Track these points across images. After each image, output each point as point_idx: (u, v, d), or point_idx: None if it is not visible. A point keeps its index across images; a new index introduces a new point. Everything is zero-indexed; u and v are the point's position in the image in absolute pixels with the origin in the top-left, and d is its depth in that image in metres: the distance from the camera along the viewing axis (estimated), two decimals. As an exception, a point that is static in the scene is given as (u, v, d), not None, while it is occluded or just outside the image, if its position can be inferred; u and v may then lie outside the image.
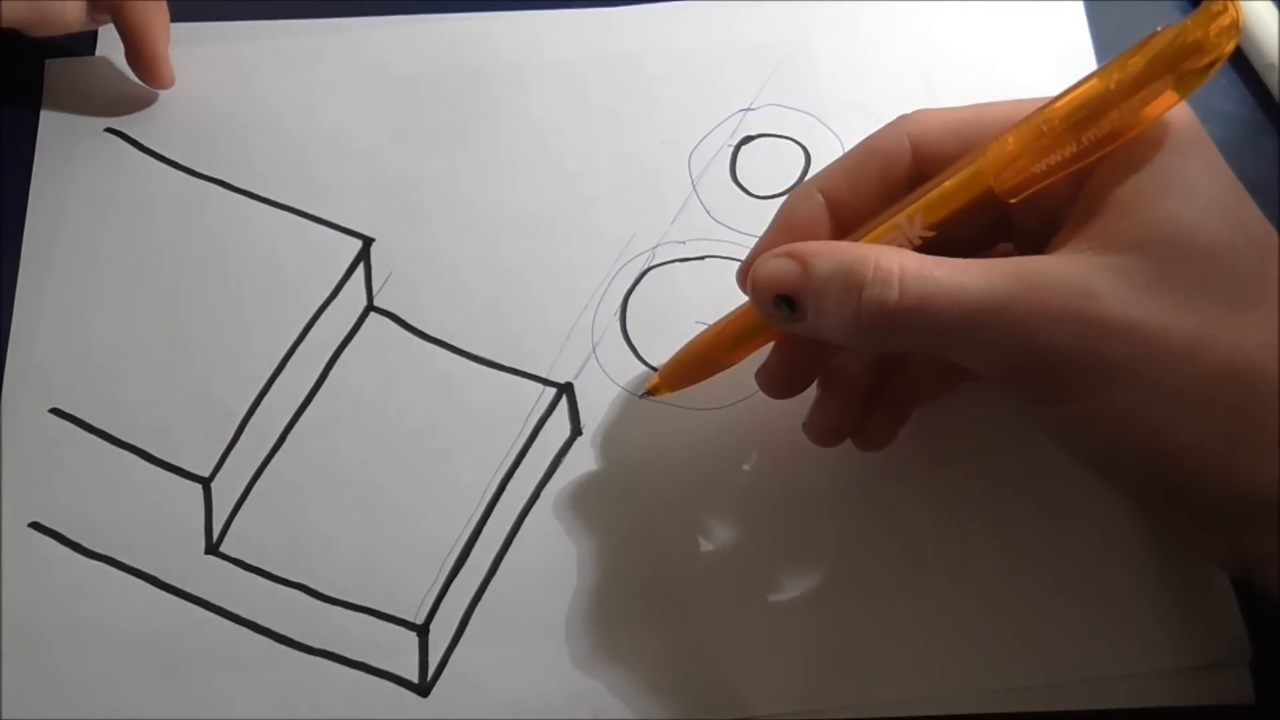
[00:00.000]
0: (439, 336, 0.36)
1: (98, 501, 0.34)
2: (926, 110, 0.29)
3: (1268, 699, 0.31)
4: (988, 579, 0.32)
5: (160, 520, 0.33)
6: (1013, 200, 0.27)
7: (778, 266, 0.27)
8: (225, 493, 0.34)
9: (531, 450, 0.34)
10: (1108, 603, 0.31)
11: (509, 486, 0.34)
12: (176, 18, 0.40)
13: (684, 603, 0.32)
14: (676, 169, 0.38)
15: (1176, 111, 0.26)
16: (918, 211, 0.27)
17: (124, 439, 0.34)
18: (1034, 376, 0.26)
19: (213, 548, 0.33)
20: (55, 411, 0.35)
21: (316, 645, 0.32)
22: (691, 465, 0.33)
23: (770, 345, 0.31)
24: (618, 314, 0.36)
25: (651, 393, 0.33)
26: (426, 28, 0.40)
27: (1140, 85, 0.25)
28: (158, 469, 0.34)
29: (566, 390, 0.35)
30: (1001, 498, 0.33)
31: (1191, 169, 0.25)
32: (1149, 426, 0.24)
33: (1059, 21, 0.40)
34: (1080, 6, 0.40)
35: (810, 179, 0.30)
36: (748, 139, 0.38)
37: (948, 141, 0.28)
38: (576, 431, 0.34)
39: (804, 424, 0.32)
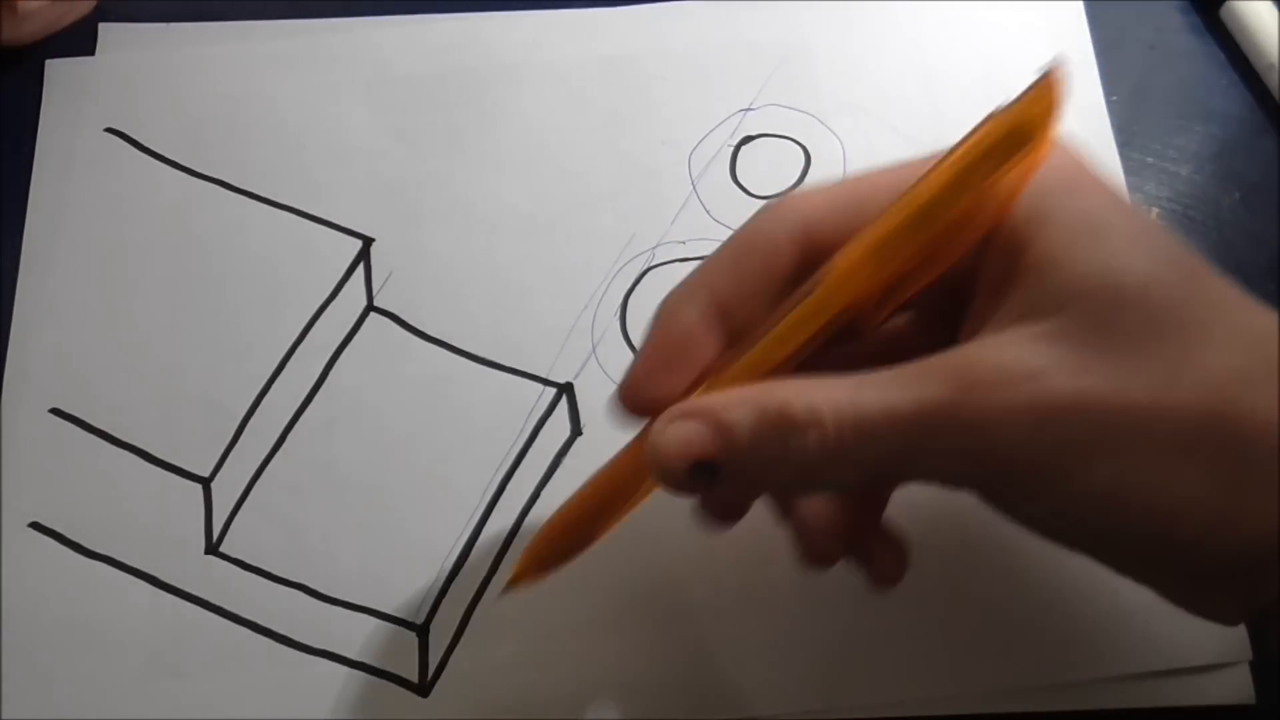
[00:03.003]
0: (439, 336, 0.36)
1: (98, 501, 0.34)
2: (803, 192, 0.27)
3: (1268, 699, 0.31)
4: (988, 579, 0.32)
5: (160, 520, 0.33)
6: (877, 323, 0.24)
7: (685, 433, 0.24)
8: (225, 493, 0.34)
9: (531, 450, 0.34)
10: (1108, 602, 0.31)
11: (509, 486, 0.34)
12: (176, 18, 0.41)
13: (684, 603, 0.32)
14: (676, 169, 0.38)
15: (1059, 154, 0.24)
16: (911, 222, 0.24)
17: (124, 439, 0.34)
18: (1001, 480, 0.23)
19: (213, 548, 0.33)
20: (55, 411, 0.35)
21: (316, 645, 0.32)
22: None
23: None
24: (618, 314, 0.36)
25: (513, 585, 0.28)
26: (427, 28, 0.40)
27: (968, 186, 0.23)
28: (158, 469, 0.34)
29: (566, 390, 0.35)
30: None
31: (1095, 209, 0.24)
32: (1137, 496, 0.22)
33: (1059, 21, 0.40)
34: (1080, 6, 0.40)
35: (688, 279, 0.27)
36: (748, 139, 0.38)
37: (831, 222, 0.26)
38: (576, 431, 0.34)
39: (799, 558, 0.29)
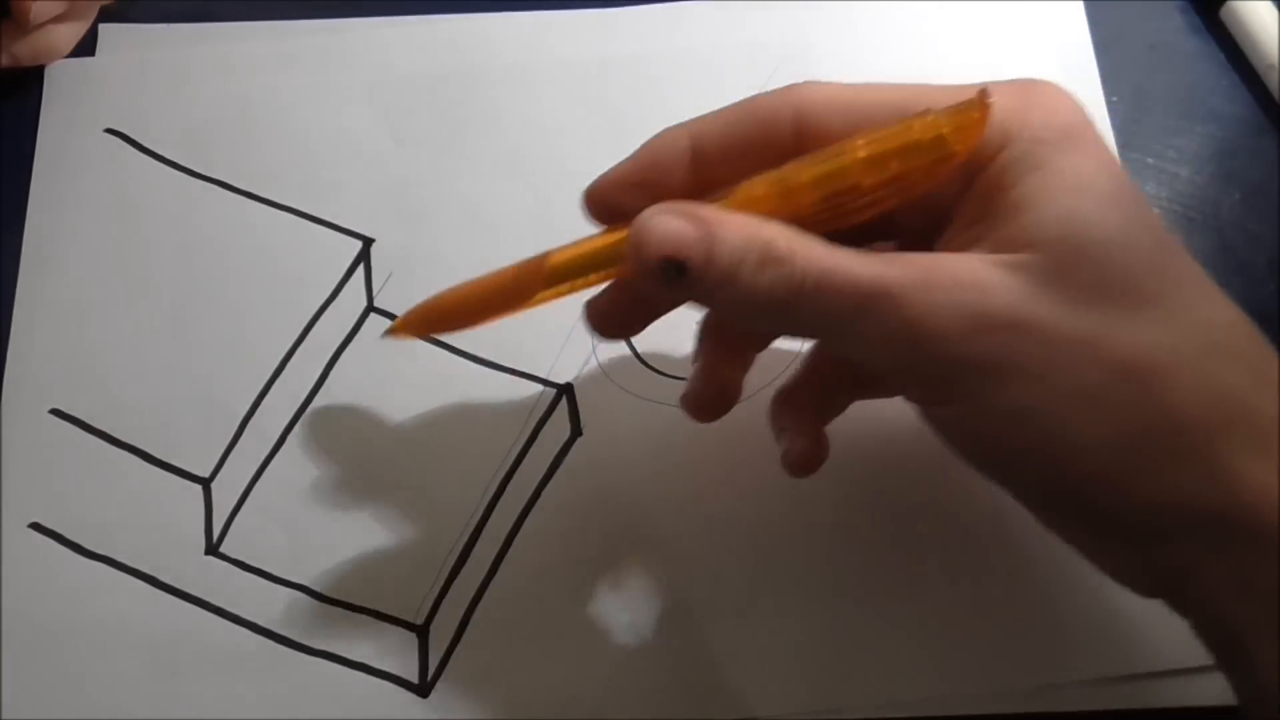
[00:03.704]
0: (439, 337, 0.36)
1: (98, 502, 0.34)
2: (815, 83, 0.28)
3: (1267, 699, 0.31)
4: (988, 579, 0.32)
5: (160, 521, 0.33)
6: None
7: (676, 226, 0.25)
8: (225, 493, 0.34)
9: (531, 451, 0.34)
10: (1107, 603, 0.31)
11: (509, 487, 0.34)
12: (176, 18, 0.41)
13: (684, 603, 0.32)
14: (676, 169, 0.38)
15: (1069, 110, 0.25)
16: (819, 179, 0.25)
17: (124, 440, 0.34)
18: (922, 371, 0.25)
19: (213, 548, 0.33)
20: (55, 412, 0.35)
21: (316, 646, 0.32)
22: (691, 465, 0.33)
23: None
24: (618, 314, 0.36)
25: (391, 332, 0.32)
26: (427, 28, 0.40)
27: (885, 165, 0.25)
28: (158, 469, 0.34)
29: (566, 391, 0.35)
30: (1001, 497, 0.33)
31: (1085, 167, 0.25)
32: (1041, 425, 0.24)
33: (1059, 21, 0.40)
34: (1080, 6, 0.40)
35: (682, 124, 0.28)
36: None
37: (836, 118, 0.27)
38: (576, 432, 0.34)
39: (681, 396, 0.31)
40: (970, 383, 0.24)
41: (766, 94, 0.28)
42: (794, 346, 0.35)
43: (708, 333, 0.31)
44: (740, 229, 0.25)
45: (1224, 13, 0.40)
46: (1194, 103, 0.39)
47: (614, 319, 0.30)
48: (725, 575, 0.32)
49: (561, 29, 0.40)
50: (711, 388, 0.30)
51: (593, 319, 0.30)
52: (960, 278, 0.24)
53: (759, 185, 0.26)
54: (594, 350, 0.35)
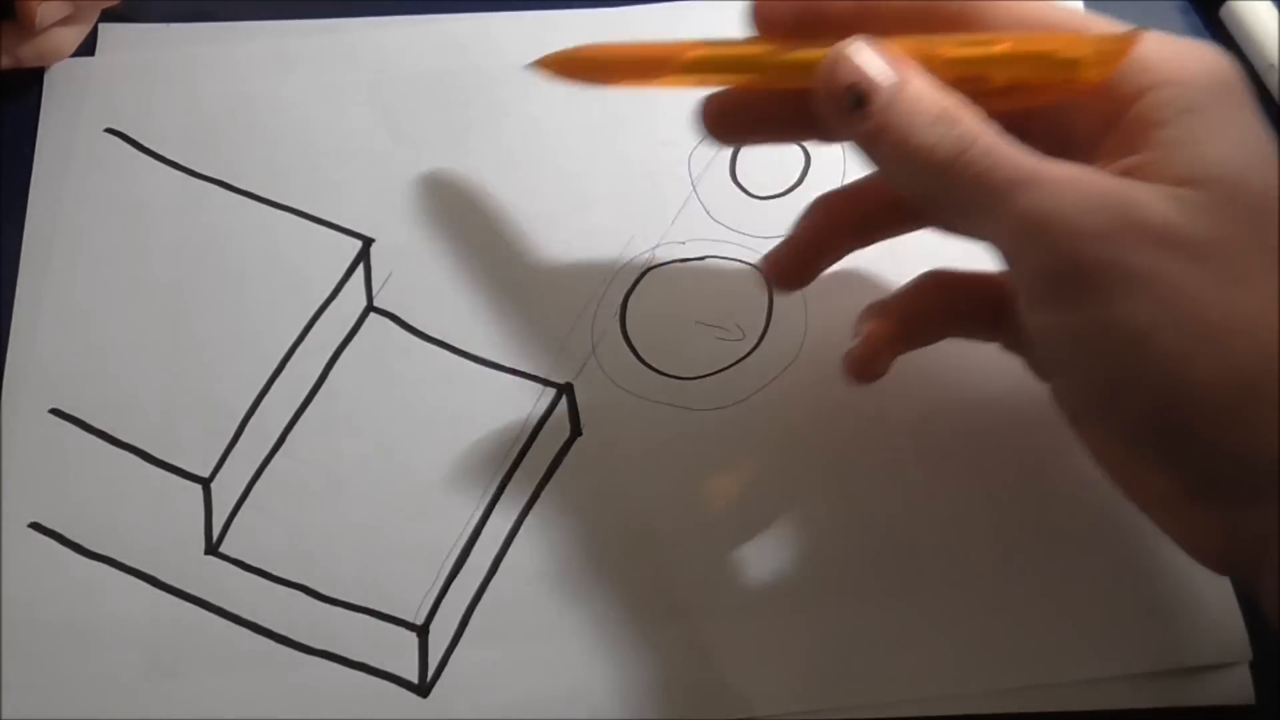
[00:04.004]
0: (439, 337, 0.36)
1: (98, 502, 0.34)
2: None
3: (1268, 700, 0.31)
4: (988, 579, 0.32)
5: (160, 520, 0.33)
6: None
7: (875, 60, 0.26)
8: (225, 493, 0.34)
9: (531, 451, 0.34)
10: (1107, 603, 0.31)
11: (509, 487, 0.34)
12: (176, 18, 0.41)
13: (684, 603, 0.32)
14: (676, 169, 0.38)
15: (1225, 67, 0.25)
16: (956, 59, 0.27)
17: (124, 439, 0.34)
18: (1059, 268, 0.24)
19: (212, 548, 0.33)
20: (55, 412, 0.35)
21: (316, 646, 0.32)
22: (691, 465, 0.34)
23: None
24: (617, 314, 0.36)
25: (537, 64, 0.33)
26: (426, 28, 0.40)
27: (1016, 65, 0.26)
28: (158, 469, 0.34)
29: (566, 391, 0.35)
30: (1001, 498, 0.33)
31: (1242, 120, 0.25)
32: (1164, 351, 0.23)
33: (1059, 22, 0.39)
34: (1079, 7, 0.40)
35: None
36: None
37: (1003, 20, 0.27)
38: (576, 432, 0.34)
39: (765, 257, 0.33)
40: (1100, 288, 0.24)
41: None
42: (795, 344, 0.35)
43: (817, 209, 0.32)
44: (930, 83, 0.26)
45: (1223, 13, 0.40)
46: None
47: (726, 121, 0.31)
48: (725, 575, 0.32)
49: (562, 29, 0.40)
50: (794, 253, 0.32)
51: (706, 113, 0.31)
52: (1116, 188, 0.24)
53: (907, 43, 0.27)
54: (594, 350, 0.35)
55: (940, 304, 0.32)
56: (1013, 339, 0.31)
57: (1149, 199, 0.24)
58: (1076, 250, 0.24)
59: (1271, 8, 0.39)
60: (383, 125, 0.39)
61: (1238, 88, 0.25)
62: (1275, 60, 0.38)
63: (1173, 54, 0.25)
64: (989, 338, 0.32)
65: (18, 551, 0.33)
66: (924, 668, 0.31)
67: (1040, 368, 0.31)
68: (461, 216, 0.37)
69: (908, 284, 0.32)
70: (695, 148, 0.38)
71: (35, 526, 0.33)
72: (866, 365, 0.31)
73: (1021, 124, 0.27)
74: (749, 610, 0.32)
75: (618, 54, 0.31)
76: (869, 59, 0.26)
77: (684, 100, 0.39)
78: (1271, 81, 0.38)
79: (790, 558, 0.32)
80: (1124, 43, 0.25)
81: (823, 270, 0.33)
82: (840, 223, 0.33)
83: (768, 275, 0.34)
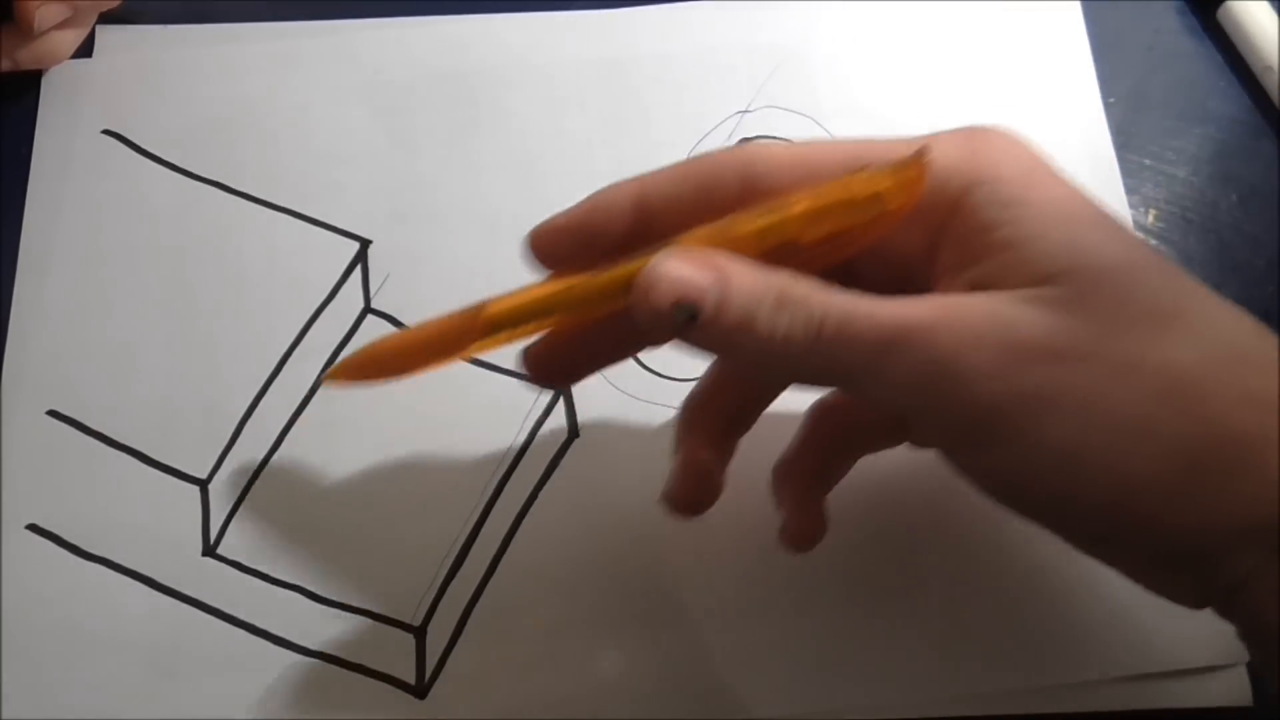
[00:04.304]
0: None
1: (95, 503, 0.34)
2: (764, 142, 0.28)
3: (1264, 701, 0.31)
4: (987, 580, 0.32)
5: (158, 522, 0.33)
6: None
7: (689, 271, 0.24)
8: (223, 495, 0.34)
9: (529, 452, 0.34)
10: (1106, 604, 0.31)
11: (506, 488, 0.34)
12: (176, 19, 0.41)
13: (682, 604, 0.32)
14: (674, 170, 0.38)
15: (1023, 149, 0.25)
16: (759, 231, 0.25)
17: (122, 441, 0.34)
18: (955, 413, 0.24)
19: (210, 549, 0.33)
20: (53, 413, 0.35)
21: (313, 647, 0.32)
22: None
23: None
24: (615, 315, 0.36)
25: (329, 379, 0.31)
26: (424, 30, 0.40)
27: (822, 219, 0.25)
28: (155, 471, 0.34)
29: (564, 392, 0.35)
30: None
31: (1064, 198, 0.24)
32: (1098, 460, 0.23)
33: (1057, 23, 0.40)
34: (1078, 7, 0.40)
35: (629, 179, 0.28)
36: (745, 141, 0.38)
37: (783, 175, 0.26)
38: (574, 433, 0.34)
39: (662, 494, 0.30)
40: (1010, 423, 0.23)
41: (715, 151, 0.28)
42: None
43: (687, 423, 0.30)
44: (753, 272, 0.24)
45: (1221, 14, 0.40)
46: (1191, 104, 0.39)
47: (553, 367, 0.30)
48: (724, 575, 0.32)
49: (562, 29, 0.40)
50: (692, 481, 0.29)
51: (530, 366, 0.29)
52: (987, 312, 0.23)
53: (700, 236, 0.25)
54: (592, 351, 0.35)
55: (844, 437, 0.30)
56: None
57: (1018, 314, 0.23)
58: (974, 396, 0.23)
59: (1269, 9, 0.39)
60: (382, 126, 0.39)
61: (1041, 161, 0.25)
62: (1273, 62, 0.38)
63: (969, 151, 0.25)
64: (899, 441, 0.31)
65: (16, 553, 0.33)
66: (923, 668, 0.31)
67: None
68: (459, 218, 0.37)
69: (799, 433, 0.30)
70: (692, 150, 0.38)
71: (33, 528, 0.33)
72: (806, 534, 0.30)
73: (850, 270, 0.26)
74: (747, 611, 0.32)
75: (411, 339, 0.29)
76: (681, 270, 0.24)
77: (684, 100, 0.39)
78: (1270, 82, 0.38)
79: (788, 559, 0.32)
80: (917, 163, 0.24)
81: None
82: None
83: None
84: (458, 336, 0.28)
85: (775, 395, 0.30)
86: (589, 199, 0.28)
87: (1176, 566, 0.24)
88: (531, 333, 0.28)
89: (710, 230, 0.26)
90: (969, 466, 0.25)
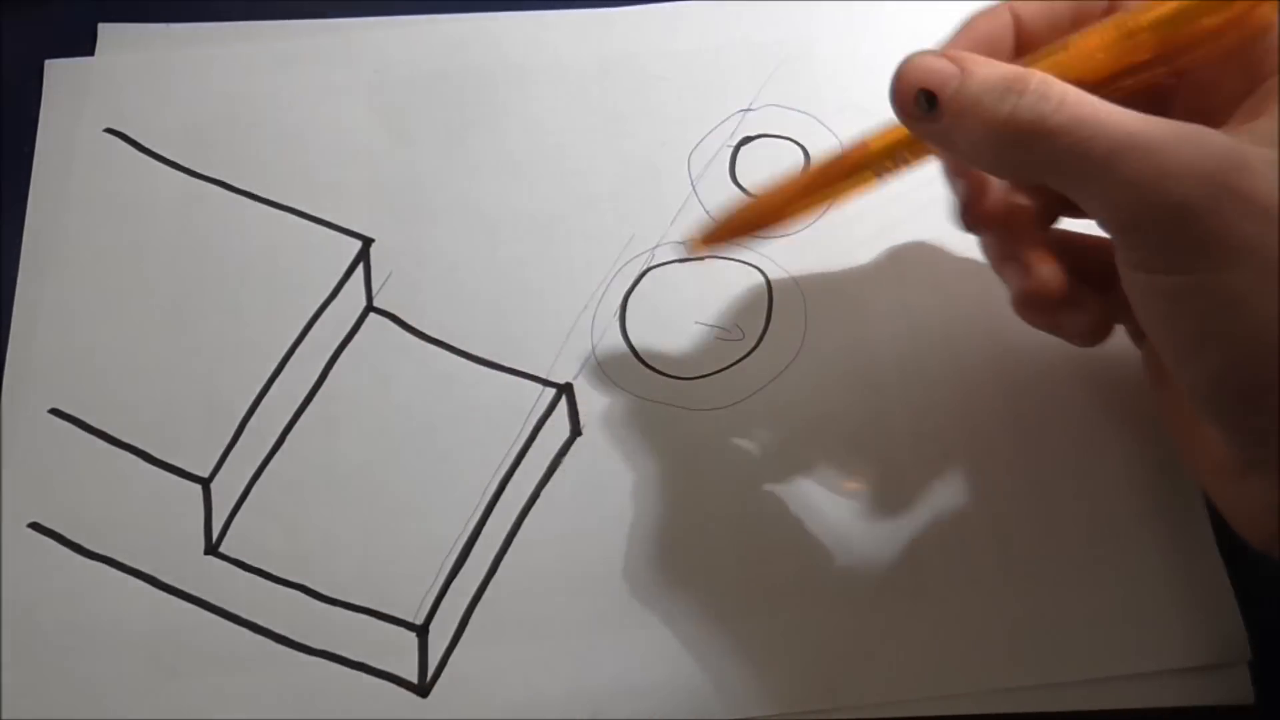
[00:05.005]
0: (439, 337, 0.36)
1: (97, 502, 0.34)
2: None
3: (1267, 699, 0.31)
4: (988, 579, 0.32)
5: (160, 521, 0.33)
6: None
7: (932, 61, 0.26)
8: (225, 493, 0.34)
9: (531, 451, 0.34)
10: (1107, 603, 0.31)
11: (508, 487, 0.34)
12: (176, 18, 0.41)
13: (683, 603, 0.32)
14: (676, 169, 0.38)
15: None
16: (1158, 21, 0.26)
17: (124, 439, 0.34)
18: (1158, 231, 0.24)
19: (212, 548, 0.33)
20: (55, 412, 0.35)
21: (316, 646, 0.32)
22: (691, 465, 0.34)
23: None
24: (617, 314, 0.36)
25: (699, 244, 0.34)
26: (426, 28, 0.40)
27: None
28: (157, 469, 0.34)
29: (566, 390, 0.35)
30: (1001, 498, 0.33)
31: None
32: (1258, 315, 0.23)
33: (1058, 22, 0.40)
34: (1080, 7, 0.40)
35: (996, 4, 0.29)
36: (747, 139, 0.38)
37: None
38: (576, 432, 0.34)
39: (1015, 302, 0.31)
40: (1203, 255, 0.23)
41: None
42: (795, 345, 0.35)
43: (977, 218, 0.31)
44: (994, 66, 0.25)
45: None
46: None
47: (976, 212, 0.31)
48: (725, 575, 0.32)
49: (561, 29, 0.40)
50: (1030, 283, 0.30)
51: (966, 220, 0.31)
52: (1225, 151, 0.23)
53: (1094, 34, 0.26)
54: (593, 350, 0.35)
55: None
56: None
57: (1257, 166, 0.23)
58: (1184, 224, 0.23)
59: (1271, 8, 0.39)
60: (382, 125, 0.39)
61: None
62: (1275, 60, 0.38)
63: None
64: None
65: (17, 552, 0.33)
66: (924, 668, 0.31)
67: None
68: (461, 216, 0.37)
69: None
70: (695, 148, 0.38)
71: (35, 526, 0.33)
72: (1098, 328, 0.30)
73: (1166, 97, 0.27)
74: (748, 610, 0.32)
75: (783, 189, 0.32)
76: (928, 61, 0.26)
77: (684, 100, 0.39)
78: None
79: (790, 559, 0.32)
80: None
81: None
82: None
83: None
84: (840, 171, 0.31)
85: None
86: (964, 26, 0.30)
87: (1265, 473, 0.25)
88: (898, 169, 0.30)
89: (1106, 25, 0.26)
90: (1143, 284, 0.25)
